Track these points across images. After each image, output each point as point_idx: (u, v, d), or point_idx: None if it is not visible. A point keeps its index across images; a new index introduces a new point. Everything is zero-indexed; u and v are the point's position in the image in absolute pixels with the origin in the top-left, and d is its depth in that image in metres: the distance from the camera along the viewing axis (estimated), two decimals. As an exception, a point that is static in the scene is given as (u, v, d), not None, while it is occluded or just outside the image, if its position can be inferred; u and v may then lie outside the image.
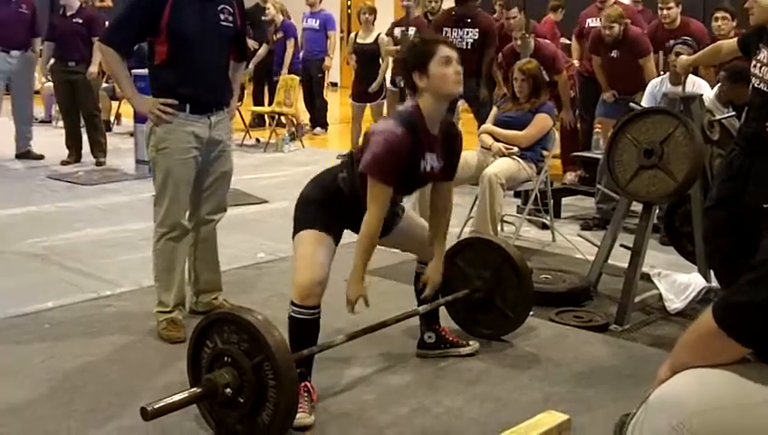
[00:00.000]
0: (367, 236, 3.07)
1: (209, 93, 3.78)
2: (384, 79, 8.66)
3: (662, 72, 6.58)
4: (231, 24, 3.81)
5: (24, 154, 8.38)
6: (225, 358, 2.77)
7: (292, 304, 3.05)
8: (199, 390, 2.76)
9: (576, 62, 7.85)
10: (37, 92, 11.58)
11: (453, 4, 7.48)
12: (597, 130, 7.06)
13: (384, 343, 3.68)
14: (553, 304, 4.22)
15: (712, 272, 4.32)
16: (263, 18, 10.54)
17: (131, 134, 8.51)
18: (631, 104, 4.90)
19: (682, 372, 1.89)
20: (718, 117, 4.63)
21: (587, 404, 3.22)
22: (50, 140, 8.93)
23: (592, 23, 7.55)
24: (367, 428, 3.02)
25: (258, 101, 10.94)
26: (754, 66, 3.80)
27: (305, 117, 10.87)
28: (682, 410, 1.81)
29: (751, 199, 3.73)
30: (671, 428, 1.80)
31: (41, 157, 8.38)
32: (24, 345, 3.71)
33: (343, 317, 3.20)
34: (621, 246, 4.46)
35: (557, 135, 5.94)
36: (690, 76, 5.36)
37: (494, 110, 5.88)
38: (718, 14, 6.55)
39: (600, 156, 6.03)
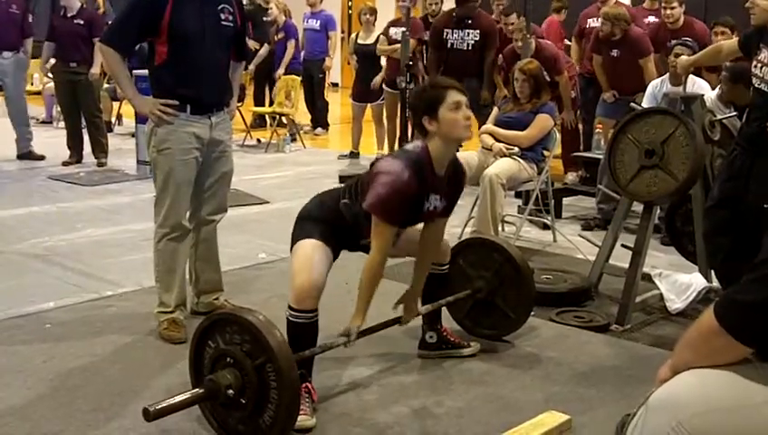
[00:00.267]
0: (369, 272, 3.07)
1: (210, 94, 3.78)
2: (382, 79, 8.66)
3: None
4: (231, 24, 3.81)
5: (26, 155, 8.39)
6: (227, 359, 2.77)
7: (290, 307, 3.06)
8: (201, 391, 2.76)
9: (576, 66, 7.83)
10: (38, 93, 11.64)
11: (453, 6, 7.49)
12: (597, 130, 7.07)
13: (385, 343, 3.68)
14: (554, 304, 4.22)
15: (713, 272, 4.32)
16: (264, 19, 10.55)
17: (132, 135, 8.52)
18: (632, 104, 4.90)
19: (683, 372, 1.89)
20: (719, 117, 4.63)
21: (588, 404, 3.22)
22: (51, 141, 8.95)
23: (593, 23, 7.55)
24: (368, 428, 3.01)
25: (259, 101, 10.95)
26: (755, 66, 3.79)
27: (306, 117, 10.88)
28: (682, 411, 1.81)
29: (752, 199, 3.73)
30: (671, 428, 1.80)
31: (42, 157, 8.39)
32: (26, 345, 3.71)
33: (344, 318, 3.19)
34: (622, 246, 4.46)
35: (558, 135, 5.94)
36: (690, 77, 5.35)
37: (495, 110, 5.88)
38: (718, 30, 6.52)
39: (600, 156, 6.03)
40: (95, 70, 8.09)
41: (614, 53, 6.93)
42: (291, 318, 3.05)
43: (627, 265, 4.23)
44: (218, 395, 2.74)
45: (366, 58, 8.77)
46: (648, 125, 4.13)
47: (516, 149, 5.39)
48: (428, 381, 3.45)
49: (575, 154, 7.22)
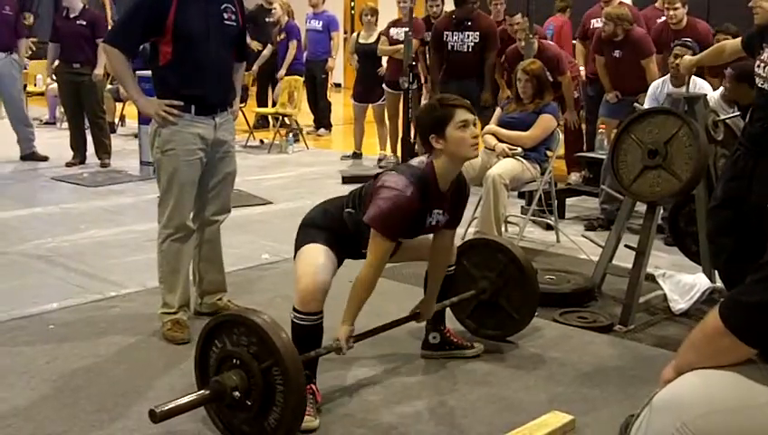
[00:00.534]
0: (362, 283, 3.07)
1: (215, 94, 3.78)
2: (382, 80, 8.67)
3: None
4: (234, 24, 3.81)
5: (29, 156, 8.40)
6: (234, 360, 2.77)
7: (295, 309, 3.05)
8: (207, 392, 2.76)
9: (582, 69, 7.81)
10: (41, 94, 11.65)
11: (453, 8, 7.50)
12: (600, 130, 7.06)
13: (388, 344, 3.67)
14: (558, 304, 4.22)
15: (716, 272, 4.31)
16: (266, 19, 10.55)
17: (136, 136, 8.53)
18: (635, 104, 4.90)
19: (687, 372, 1.89)
20: (723, 117, 4.63)
21: (591, 405, 3.22)
22: (54, 142, 8.96)
23: (597, 23, 7.54)
24: (371, 429, 3.01)
25: (262, 102, 10.95)
26: (758, 66, 3.79)
27: (309, 118, 10.88)
28: (686, 412, 1.81)
29: (755, 199, 3.73)
30: (675, 429, 1.80)
31: (45, 158, 8.39)
32: (29, 346, 3.71)
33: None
34: (626, 246, 4.46)
35: (561, 136, 5.94)
36: (692, 77, 5.34)
37: (498, 110, 5.87)
38: (720, 37, 6.44)
39: (603, 156, 6.03)
40: (98, 71, 8.09)
41: (616, 53, 6.92)
42: (296, 320, 3.05)
43: (630, 266, 4.22)
44: (224, 397, 2.74)
45: (367, 58, 8.76)
46: (652, 125, 4.13)
47: (519, 149, 5.38)
48: (432, 381, 3.45)
49: (578, 154, 7.21)
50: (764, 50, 3.76)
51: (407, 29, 7.65)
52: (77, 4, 8.07)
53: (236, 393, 2.72)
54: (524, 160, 5.36)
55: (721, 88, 5.47)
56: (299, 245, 3.20)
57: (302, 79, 10.11)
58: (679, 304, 4.23)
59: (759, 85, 3.80)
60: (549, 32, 8.58)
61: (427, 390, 3.36)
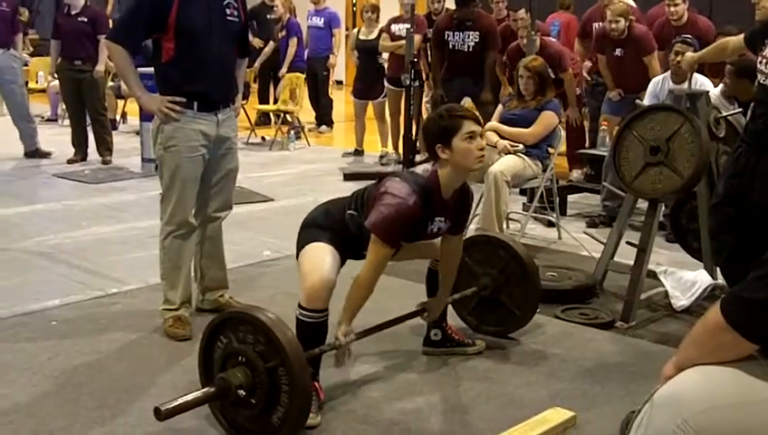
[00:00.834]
0: (360, 286, 3.06)
1: (217, 90, 3.78)
2: (383, 77, 8.66)
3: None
4: (237, 19, 3.81)
5: (33, 153, 8.40)
6: (240, 357, 2.76)
7: (300, 306, 3.05)
8: (212, 389, 2.76)
9: (588, 63, 7.78)
10: (43, 91, 11.66)
11: (454, 5, 7.49)
12: (603, 127, 7.06)
13: (390, 340, 3.68)
14: (559, 301, 4.22)
15: (718, 269, 4.31)
16: (268, 16, 10.55)
17: (137, 133, 8.53)
18: (637, 101, 4.89)
19: (688, 369, 1.89)
20: (724, 114, 4.62)
21: (593, 401, 3.23)
22: (56, 139, 8.96)
23: (598, 27, 7.50)
24: (373, 425, 3.02)
25: (263, 99, 10.95)
26: (760, 62, 3.78)
27: (310, 115, 10.88)
28: (687, 408, 1.81)
29: (757, 196, 3.72)
30: (676, 425, 1.80)
31: (49, 155, 8.39)
32: (31, 343, 3.71)
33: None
34: (627, 243, 4.46)
35: (563, 133, 5.93)
36: (694, 74, 5.34)
37: (500, 107, 5.87)
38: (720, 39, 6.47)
39: (605, 153, 6.02)
40: (100, 67, 8.09)
41: (618, 52, 6.90)
42: (301, 317, 3.04)
43: (632, 263, 4.22)
44: (229, 394, 2.74)
45: (367, 54, 8.76)
46: (654, 122, 4.13)
47: (521, 146, 5.38)
48: (433, 377, 3.45)
49: (580, 151, 7.21)
50: (767, 46, 3.76)
51: (408, 25, 7.64)
52: (78, 1, 8.05)
53: (241, 391, 2.72)
54: (526, 157, 5.35)
55: (721, 85, 5.47)
56: (302, 244, 3.20)
57: (303, 76, 10.10)
58: (681, 300, 4.23)
59: (761, 81, 3.79)
60: (555, 28, 8.57)
61: (428, 386, 3.36)
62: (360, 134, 9.01)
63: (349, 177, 7.67)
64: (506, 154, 5.34)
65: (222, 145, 3.86)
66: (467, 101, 7.36)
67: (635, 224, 5.17)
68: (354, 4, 16.22)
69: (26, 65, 9.64)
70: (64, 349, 3.65)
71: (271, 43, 10.47)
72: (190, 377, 3.18)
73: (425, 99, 8.65)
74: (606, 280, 4.55)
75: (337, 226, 3.22)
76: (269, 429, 2.75)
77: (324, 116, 10.84)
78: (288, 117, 9.93)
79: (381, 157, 8.68)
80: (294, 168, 8.30)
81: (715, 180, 4.34)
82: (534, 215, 5.86)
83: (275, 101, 10.45)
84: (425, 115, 7.49)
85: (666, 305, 4.27)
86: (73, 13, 8.06)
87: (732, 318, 1.79)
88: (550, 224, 5.92)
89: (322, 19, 10.38)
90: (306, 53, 10.48)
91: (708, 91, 4.77)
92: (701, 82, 5.67)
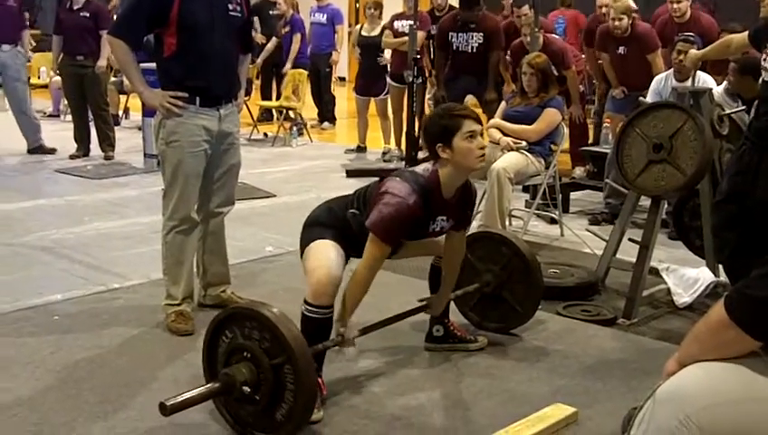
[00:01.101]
0: (357, 283, 3.06)
1: (219, 85, 3.77)
2: (386, 73, 8.66)
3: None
4: (239, 14, 3.80)
5: (37, 149, 8.39)
6: (245, 353, 2.76)
7: (306, 302, 3.05)
8: (217, 385, 2.75)
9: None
10: (45, 86, 11.66)
11: (458, 7, 7.49)
12: (606, 124, 7.05)
13: (392, 336, 3.67)
14: (561, 298, 4.22)
15: (720, 266, 4.31)
16: (271, 12, 10.54)
17: (140, 128, 8.53)
18: (640, 99, 4.89)
19: (690, 365, 1.89)
20: (728, 111, 4.61)
21: (594, 397, 3.22)
22: (58, 134, 8.96)
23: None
24: (375, 420, 3.02)
25: (266, 95, 10.95)
26: (764, 60, 3.78)
27: (313, 112, 10.88)
28: (690, 404, 1.81)
29: (760, 194, 3.72)
30: (678, 422, 1.80)
31: (53, 151, 8.39)
32: (34, 337, 3.72)
33: (357, 312, 3.17)
34: (630, 240, 4.46)
35: (566, 130, 5.93)
36: (697, 72, 5.33)
37: (503, 104, 5.86)
38: (724, 36, 6.44)
39: (608, 151, 6.02)
40: (102, 63, 8.09)
41: (621, 50, 6.88)
42: (306, 313, 3.04)
43: (634, 260, 4.22)
44: (233, 390, 2.74)
45: (369, 51, 8.75)
46: (657, 119, 4.12)
47: (524, 143, 5.37)
48: (435, 373, 3.45)
49: (583, 148, 7.20)
50: (771, 43, 3.75)
51: (411, 22, 7.63)
52: (80, -3, 8.06)
53: (246, 388, 2.72)
54: (529, 154, 5.35)
55: (724, 82, 5.46)
56: (307, 241, 3.20)
57: (306, 72, 10.10)
58: (683, 297, 4.23)
59: (765, 79, 3.79)
60: (560, 25, 8.54)
61: (430, 382, 3.36)
62: (363, 131, 9.01)
63: (351, 173, 7.67)
64: (509, 151, 5.34)
65: (224, 140, 3.86)
66: (470, 99, 7.36)
67: (637, 221, 5.16)
68: (357, 1, 16.21)
69: (29, 61, 9.63)
70: (67, 343, 3.65)
71: (274, 39, 10.47)
72: (192, 372, 3.19)
73: (427, 96, 8.65)
74: (608, 277, 4.55)
75: (340, 224, 3.22)
76: (273, 425, 2.75)
77: (327, 112, 10.83)
78: (291, 113, 9.93)
79: (384, 153, 8.68)
80: (297, 164, 8.30)
81: (717, 178, 4.33)
82: (537, 212, 5.86)
83: (278, 98, 10.45)
84: (427, 112, 7.49)
85: (668, 302, 4.27)
86: (75, 8, 8.06)
87: (735, 315, 1.79)
88: (552, 221, 5.92)
89: (325, 15, 10.37)
90: (309, 49, 10.48)
91: (711, 89, 4.77)
92: (704, 79, 5.67)
